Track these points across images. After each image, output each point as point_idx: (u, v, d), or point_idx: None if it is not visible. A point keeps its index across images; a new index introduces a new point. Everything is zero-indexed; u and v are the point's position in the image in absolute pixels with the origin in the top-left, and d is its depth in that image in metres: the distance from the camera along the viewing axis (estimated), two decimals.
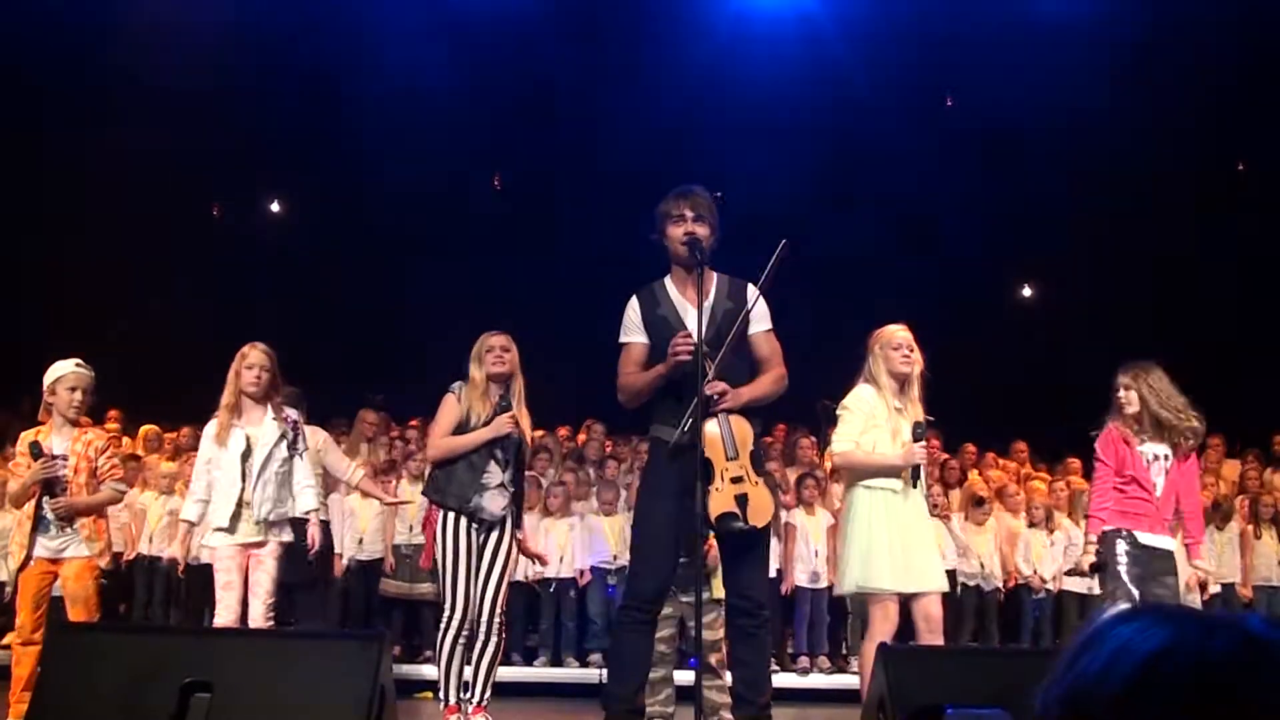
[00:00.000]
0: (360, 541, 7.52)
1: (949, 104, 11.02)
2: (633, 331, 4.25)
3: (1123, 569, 4.90)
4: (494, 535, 4.94)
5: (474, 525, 4.91)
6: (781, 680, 6.50)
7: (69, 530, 5.09)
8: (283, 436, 4.99)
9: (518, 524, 5.08)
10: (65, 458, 5.12)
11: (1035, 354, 11.08)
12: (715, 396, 3.97)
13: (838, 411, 4.67)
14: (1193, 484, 5.18)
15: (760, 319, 4.23)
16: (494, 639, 4.95)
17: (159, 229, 10.38)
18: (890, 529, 4.47)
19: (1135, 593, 4.83)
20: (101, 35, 9.87)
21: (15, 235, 10.20)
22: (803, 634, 7.53)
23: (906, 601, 4.53)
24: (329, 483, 6.74)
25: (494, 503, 4.91)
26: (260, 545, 4.90)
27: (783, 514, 7.34)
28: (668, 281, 4.27)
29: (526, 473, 5.42)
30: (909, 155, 10.74)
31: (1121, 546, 4.92)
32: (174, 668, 3.13)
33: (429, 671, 6.43)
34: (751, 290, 4.19)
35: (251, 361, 4.99)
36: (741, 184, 9.62)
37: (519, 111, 10.83)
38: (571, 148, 10.83)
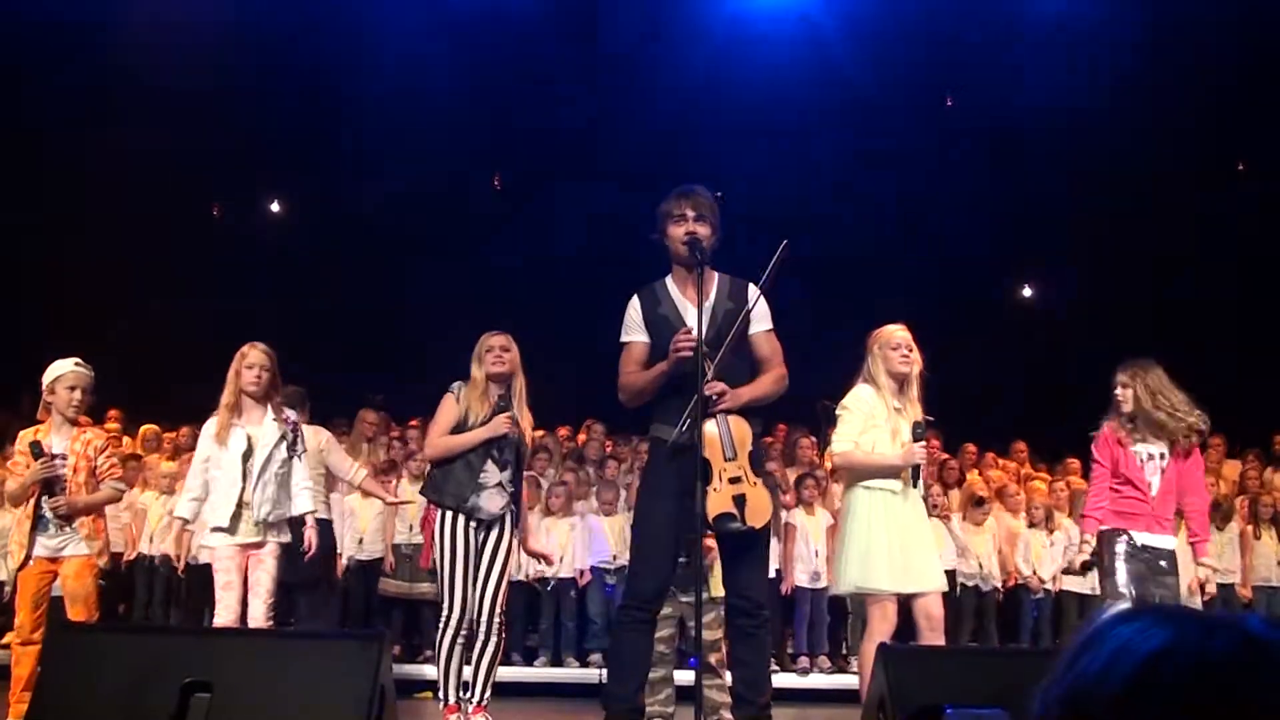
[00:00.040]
0: (360, 541, 7.52)
1: (949, 104, 11.02)
2: (634, 331, 4.25)
3: (1120, 569, 4.90)
4: (493, 534, 4.94)
5: (472, 524, 4.91)
6: (781, 680, 6.50)
7: (68, 529, 5.09)
8: (283, 438, 4.99)
9: (516, 523, 5.08)
10: (64, 457, 5.13)
11: (1035, 354, 11.08)
12: (714, 397, 3.97)
13: (837, 411, 4.67)
14: (1197, 482, 5.14)
15: (761, 319, 4.23)
16: (494, 639, 4.94)
17: (159, 229, 10.38)
18: (889, 529, 4.47)
19: (1133, 593, 4.83)
20: (102, 35, 9.87)
21: (15, 235, 10.20)
22: (803, 634, 7.53)
23: (906, 601, 4.53)
24: (329, 482, 6.75)
25: (492, 502, 4.91)
26: (259, 546, 4.90)
27: (783, 514, 7.34)
28: (669, 281, 4.27)
29: (526, 472, 5.42)
30: (909, 155, 10.75)
31: (1119, 547, 4.92)
32: (174, 668, 3.13)
33: (429, 671, 6.42)
34: (752, 290, 4.19)
35: (251, 361, 4.99)
36: (741, 184, 9.63)
37: (519, 111, 10.82)
38: (571, 148, 10.83)
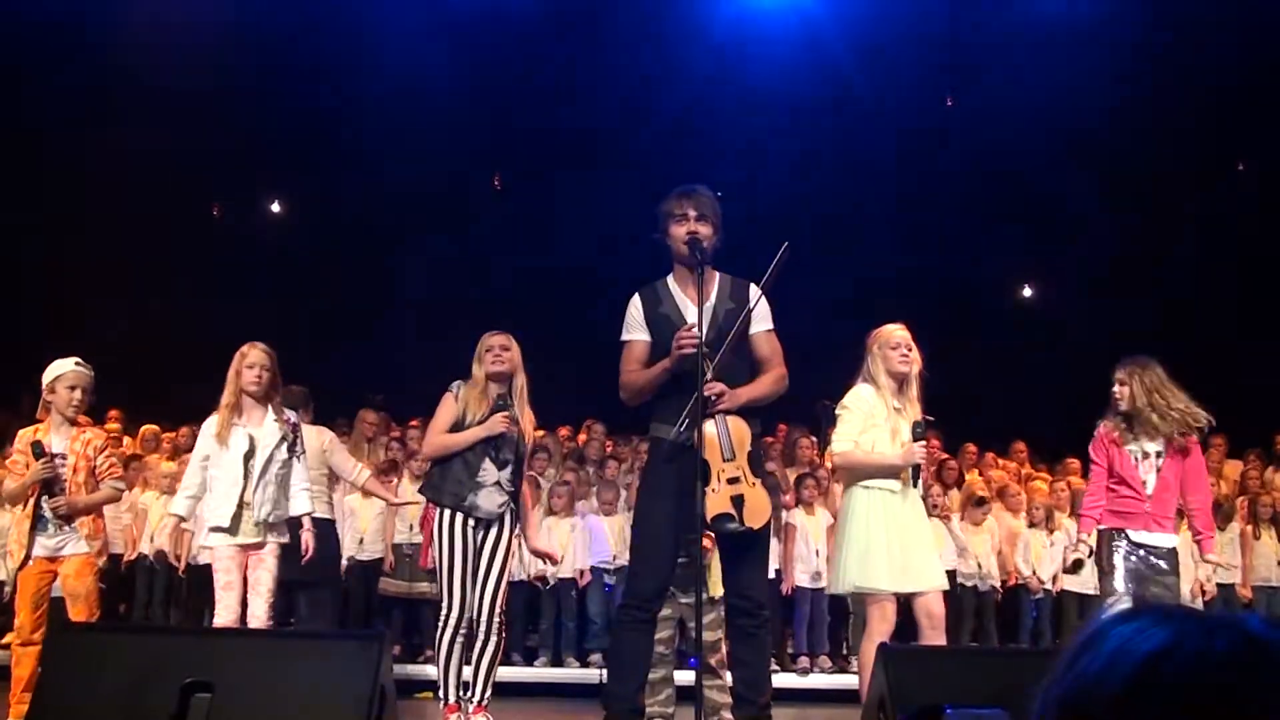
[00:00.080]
0: (361, 541, 7.52)
1: (949, 104, 11.02)
2: (635, 329, 4.25)
3: (1119, 569, 4.90)
4: (492, 533, 4.94)
5: (471, 523, 4.91)
6: (781, 680, 6.50)
7: (67, 529, 5.10)
8: (284, 438, 4.99)
9: (516, 522, 5.08)
10: (64, 457, 5.13)
11: (1035, 354, 11.08)
12: (713, 398, 3.97)
13: (837, 411, 4.67)
14: (1199, 480, 5.10)
15: (762, 318, 4.24)
16: (494, 638, 4.94)
17: (159, 229, 10.38)
18: (888, 529, 4.47)
19: (1132, 592, 4.82)
20: (101, 35, 9.87)
21: (15, 235, 10.20)
22: (803, 634, 7.52)
23: (907, 600, 4.53)
24: (331, 482, 6.74)
25: (489, 500, 4.91)
26: (259, 546, 4.90)
27: (783, 514, 7.34)
28: (670, 280, 4.27)
29: (527, 472, 5.42)
30: (909, 155, 10.75)
31: (1116, 546, 4.92)
32: (174, 668, 3.13)
33: (429, 671, 6.42)
34: (754, 290, 4.19)
35: (252, 361, 4.98)
36: (741, 183, 9.62)
37: (519, 111, 10.83)
38: (571, 147, 10.84)
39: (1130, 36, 9.86)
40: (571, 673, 7.34)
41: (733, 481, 3.98)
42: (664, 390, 4.12)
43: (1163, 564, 4.92)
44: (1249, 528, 8.06)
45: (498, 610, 4.95)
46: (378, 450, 8.07)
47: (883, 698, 3.23)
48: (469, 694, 4.97)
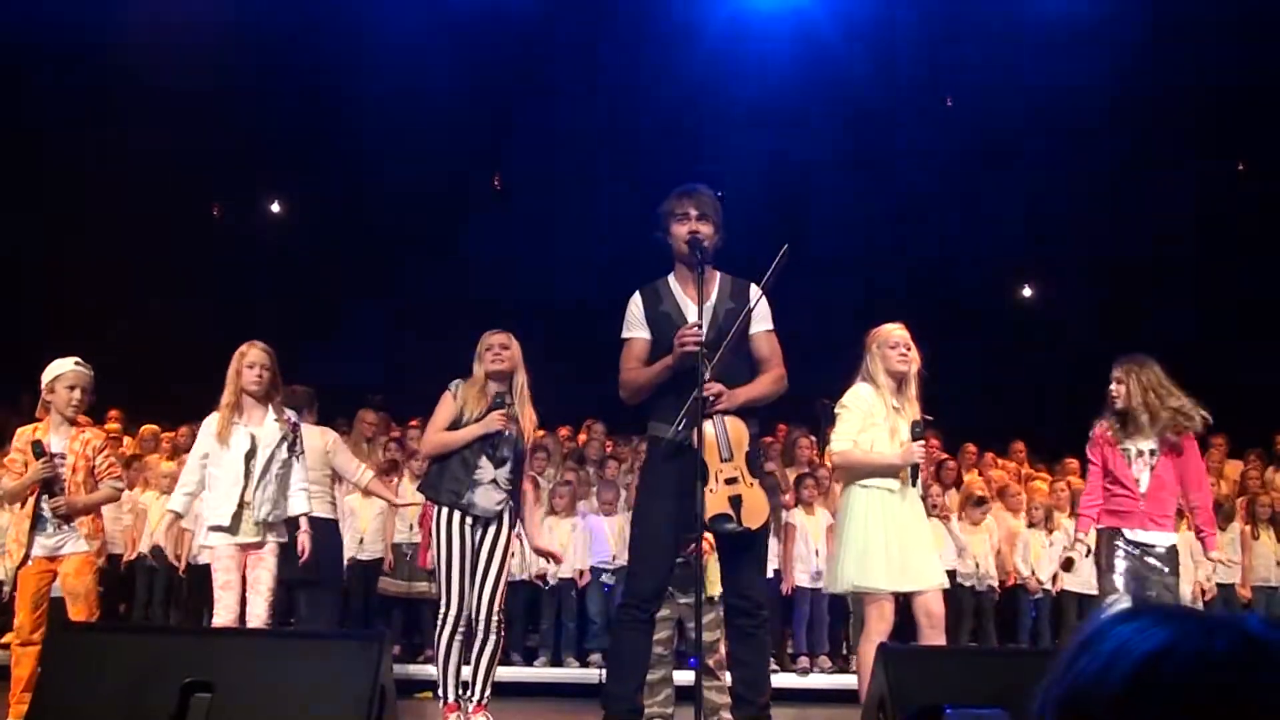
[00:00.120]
0: (361, 541, 7.52)
1: (949, 104, 11.02)
2: (635, 327, 4.25)
3: (1117, 568, 4.90)
4: (490, 531, 4.93)
5: (469, 521, 4.91)
6: (781, 680, 6.51)
7: (66, 528, 5.10)
8: (284, 438, 4.99)
9: (515, 521, 5.07)
10: (63, 456, 5.13)
11: (1035, 354, 11.08)
12: (711, 398, 3.97)
13: (836, 410, 4.68)
14: (1198, 478, 5.08)
15: (762, 318, 4.24)
16: (493, 637, 4.93)
17: (159, 229, 10.38)
18: (887, 528, 4.47)
19: (1131, 591, 4.82)
20: (101, 35, 9.87)
21: (15, 235, 10.20)
22: (802, 634, 7.52)
23: (906, 600, 4.53)
24: (334, 482, 6.73)
25: (487, 498, 4.90)
26: (259, 545, 4.90)
27: (782, 514, 7.34)
28: (671, 279, 4.27)
29: (527, 471, 5.41)
30: (909, 155, 10.75)
31: (1114, 546, 4.92)
32: (174, 668, 3.13)
33: (429, 671, 6.42)
34: (754, 289, 4.20)
35: (252, 360, 4.98)
36: (741, 183, 9.61)
37: (519, 111, 10.82)
38: (571, 147, 10.84)
39: (1130, 36, 9.86)
40: (571, 673, 7.34)
41: (730, 482, 3.98)
42: (662, 389, 4.12)
43: (1160, 563, 4.91)
44: (1248, 528, 8.06)
45: (496, 609, 4.94)
46: (377, 450, 8.07)
47: (882, 698, 3.23)
48: (468, 693, 4.97)
